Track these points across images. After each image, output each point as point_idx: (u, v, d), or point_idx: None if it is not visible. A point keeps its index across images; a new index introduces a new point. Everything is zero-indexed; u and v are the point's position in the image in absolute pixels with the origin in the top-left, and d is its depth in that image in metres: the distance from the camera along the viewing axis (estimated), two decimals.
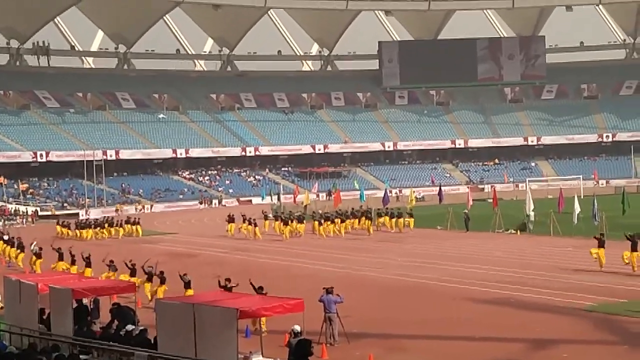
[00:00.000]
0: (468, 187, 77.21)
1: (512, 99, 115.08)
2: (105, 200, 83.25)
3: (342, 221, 49.31)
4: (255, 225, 48.71)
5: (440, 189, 62.29)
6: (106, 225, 54.43)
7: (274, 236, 48.75)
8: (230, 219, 51.91)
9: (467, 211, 50.09)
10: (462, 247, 40.40)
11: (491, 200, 55.08)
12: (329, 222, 49.00)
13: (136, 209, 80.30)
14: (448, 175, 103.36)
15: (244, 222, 50.03)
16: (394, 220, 49.92)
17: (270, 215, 56.41)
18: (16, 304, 20.85)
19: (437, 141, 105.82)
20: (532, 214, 46.30)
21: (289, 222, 48.99)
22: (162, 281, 26.24)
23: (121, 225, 54.48)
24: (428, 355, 18.91)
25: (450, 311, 23.77)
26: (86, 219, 61.17)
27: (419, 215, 54.67)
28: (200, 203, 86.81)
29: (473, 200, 55.56)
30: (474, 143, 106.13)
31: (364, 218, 50.15)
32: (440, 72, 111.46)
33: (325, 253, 39.96)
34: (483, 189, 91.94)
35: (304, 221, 50.16)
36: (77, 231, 53.87)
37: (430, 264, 34.27)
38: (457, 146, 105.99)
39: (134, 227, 54.21)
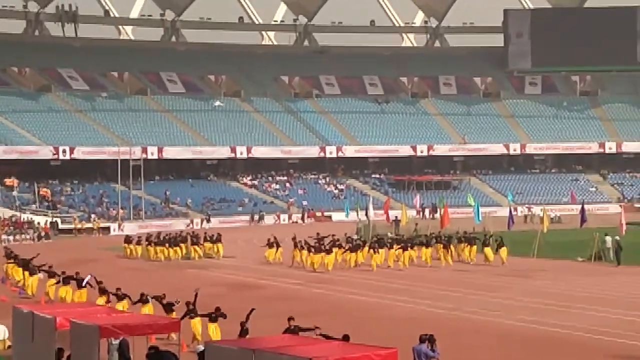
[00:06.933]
0: (621, 206, 75.66)
1: None
2: (144, 211, 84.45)
3: (428, 246, 49.65)
4: (327, 252, 48.11)
5: (582, 207, 61.21)
6: (182, 241, 55.72)
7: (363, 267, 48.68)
8: (271, 244, 51.66)
9: (618, 238, 49.17)
10: (613, 287, 39.58)
11: None
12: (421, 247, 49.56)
13: (190, 224, 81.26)
14: (594, 189, 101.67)
15: (295, 247, 49.52)
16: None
17: (356, 237, 56.33)
18: (27, 343, 21.22)
19: (580, 144, 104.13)
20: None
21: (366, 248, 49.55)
22: (213, 319, 26.26)
23: (198, 243, 55.67)
24: None
25: None
26: (157, 234, 62.23)
27: (553, 242, 53.76)
28: (252, 219, 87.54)
29: (627, 223, 54.46)
30: (631, 147, 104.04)
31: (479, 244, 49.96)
32: (586, 52, 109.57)
33: (428, 289, 39.88)
34: None
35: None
36: (153, 248, 54.99)
37: (571, 308, 33.62)
38: (608, 151, 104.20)
39: (215, 246, 55.14)
